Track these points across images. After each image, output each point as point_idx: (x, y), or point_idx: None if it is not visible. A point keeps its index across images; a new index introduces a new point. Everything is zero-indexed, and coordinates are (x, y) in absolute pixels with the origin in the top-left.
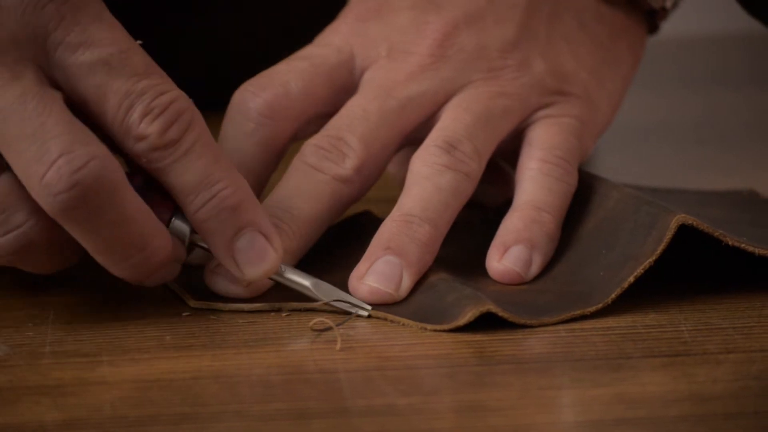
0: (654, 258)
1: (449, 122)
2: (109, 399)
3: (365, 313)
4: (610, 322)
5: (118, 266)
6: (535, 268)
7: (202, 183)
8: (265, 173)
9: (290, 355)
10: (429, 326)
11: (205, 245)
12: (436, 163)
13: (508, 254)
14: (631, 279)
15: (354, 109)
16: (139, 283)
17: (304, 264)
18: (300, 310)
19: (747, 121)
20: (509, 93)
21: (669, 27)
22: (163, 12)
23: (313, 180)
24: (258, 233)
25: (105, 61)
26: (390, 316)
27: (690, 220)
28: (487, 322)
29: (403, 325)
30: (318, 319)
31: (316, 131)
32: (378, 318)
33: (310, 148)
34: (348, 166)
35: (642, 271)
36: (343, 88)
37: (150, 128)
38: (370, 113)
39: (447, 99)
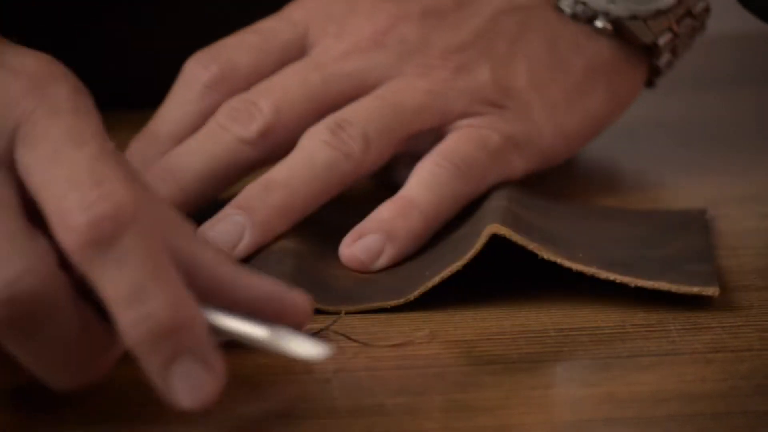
0: (462, 263)
1: (352, 105)
2: (98, 399)
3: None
4: (599, 321)
5: (57, 384)
6: (384, 260)
7: (134, 295)
8: None
9: (279, 355)
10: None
11: None
12: (318, 139)
13: (360, 242)
14: (436, 280)
15: (280, 77)
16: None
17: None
18: None
19: (735, 122)
20: (434, 91)
21: None
22: (153, 18)
23: (217, 139)
24: (196, 361)
25: (54, 151)
26: (375, 305)
27: (503, 230)
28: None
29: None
30: (307, 327)
31: None
32: (366, 317)
33: (224, 107)
34: (253, 128)
35: (449, 273)
36: (290, 62)
37: (81, 217)
38: (291, 83)
39: (374, 85)
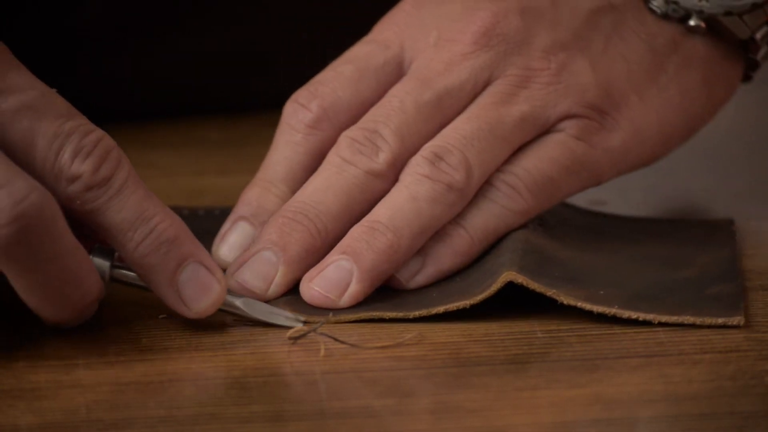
0: (471, 302)
1: (446, 131)
2: (85, 402)
3: (299, 324)
4: (587, 323)
5: (55, 306)
6: (421, 278)
7: (139, 218)
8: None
9: (267, 357)
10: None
11: (126, 280)
12: (417, 173)
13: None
14: (441, 309)
15: (392, 101)
16: (62, 324)
17: None
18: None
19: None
20: (534, 98)
21: None
22: (152, 20)
23: (345, 174)
24: (200, 265)
25: (29, 105)
26: (389, 314)
27: (519, 278)
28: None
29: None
30: (295, 328)
31: None
32: (351, 322)
33: (345, 140)
34: (381, 160)
35: (454, 308)
36: (391, 84)
37: (83, 167)
38: (406, 105)
39: (483, 88)
